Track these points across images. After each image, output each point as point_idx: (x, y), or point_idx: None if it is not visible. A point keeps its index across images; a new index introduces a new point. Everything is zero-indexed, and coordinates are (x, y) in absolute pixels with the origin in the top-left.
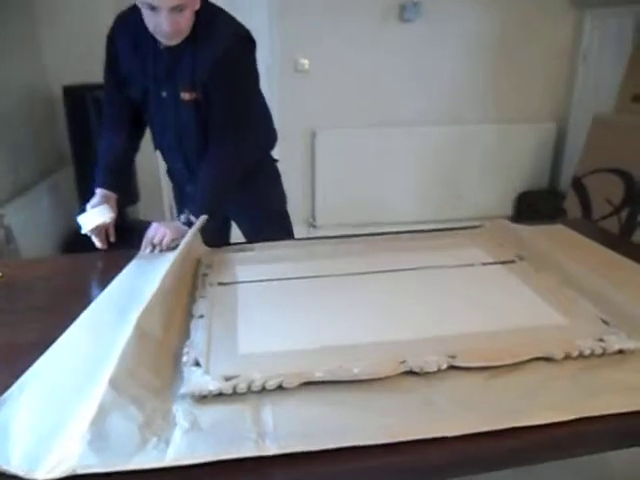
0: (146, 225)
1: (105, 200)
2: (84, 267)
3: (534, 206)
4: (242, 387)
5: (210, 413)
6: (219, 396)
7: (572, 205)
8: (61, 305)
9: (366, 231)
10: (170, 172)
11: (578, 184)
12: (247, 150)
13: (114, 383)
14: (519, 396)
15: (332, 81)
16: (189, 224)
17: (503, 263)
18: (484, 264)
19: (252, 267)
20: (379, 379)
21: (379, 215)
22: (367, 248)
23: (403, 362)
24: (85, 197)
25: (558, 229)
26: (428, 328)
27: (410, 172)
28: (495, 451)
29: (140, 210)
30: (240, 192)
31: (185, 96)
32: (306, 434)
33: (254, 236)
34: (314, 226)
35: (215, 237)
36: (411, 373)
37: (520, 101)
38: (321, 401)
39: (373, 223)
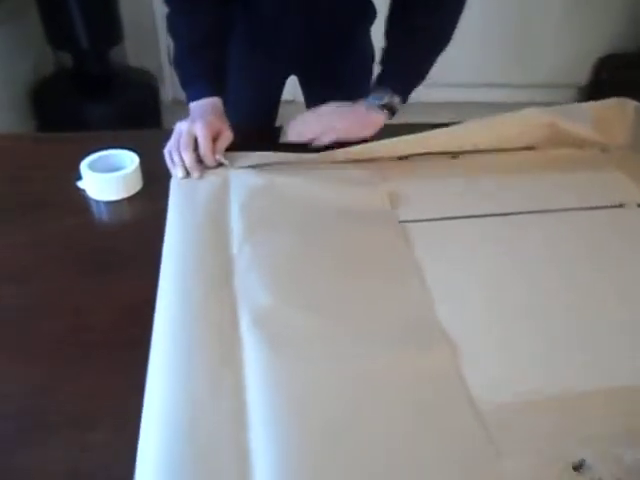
0: (135, 71)
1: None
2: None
3: (619, 74)
4: None
5: None
6: None
7: None
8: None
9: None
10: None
11: None
12: None
13: None
14: None
15: None
16: (388, 109)
17: None
18: None
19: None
20: None
21: None
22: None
23: (580, 465)
24: (52, 28)
25: None
26: (587, 369)
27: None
28: None
29: (127, 53)
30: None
31: None
32: None
33: None
34: None
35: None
36: None
37: None
38: None
39: None
